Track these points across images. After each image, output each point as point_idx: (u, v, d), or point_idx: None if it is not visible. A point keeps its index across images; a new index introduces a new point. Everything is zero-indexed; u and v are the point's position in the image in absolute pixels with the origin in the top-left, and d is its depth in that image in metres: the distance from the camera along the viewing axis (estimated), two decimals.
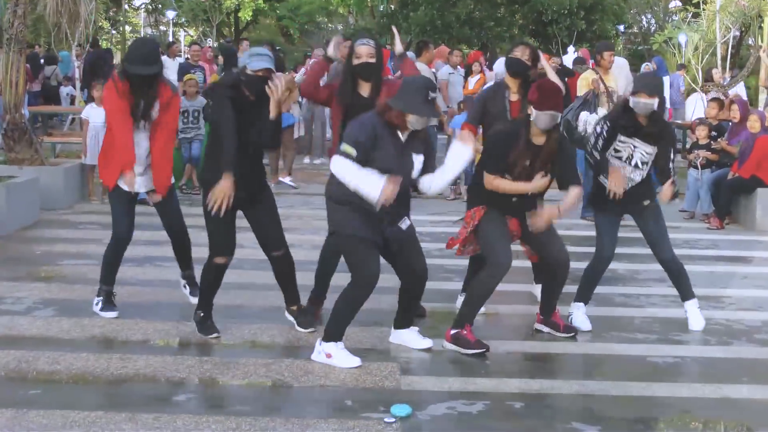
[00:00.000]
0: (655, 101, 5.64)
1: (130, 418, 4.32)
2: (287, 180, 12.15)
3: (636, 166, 5.83)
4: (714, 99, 12.17)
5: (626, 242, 7.41)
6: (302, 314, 5.80)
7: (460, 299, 6.10)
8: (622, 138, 5.78)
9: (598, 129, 5.85)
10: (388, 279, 5.47)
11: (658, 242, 5.95)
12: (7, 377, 4.88)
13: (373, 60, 5.60)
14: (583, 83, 9.61)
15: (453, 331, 5.47)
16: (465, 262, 6.31)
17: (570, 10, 25.35)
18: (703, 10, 20.30)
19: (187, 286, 6.25)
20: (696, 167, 10.56)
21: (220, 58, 12.02)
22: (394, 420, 4.38)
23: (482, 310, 5.79)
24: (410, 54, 15.92)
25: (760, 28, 18.64)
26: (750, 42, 24.64)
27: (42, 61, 19.82)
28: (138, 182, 5.78)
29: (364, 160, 4.88)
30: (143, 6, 41.83)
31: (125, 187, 5.77)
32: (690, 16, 24.03)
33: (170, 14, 35.84)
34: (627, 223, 6.16)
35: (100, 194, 10.74)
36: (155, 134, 5.77)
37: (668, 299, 6.65)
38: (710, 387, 5.02)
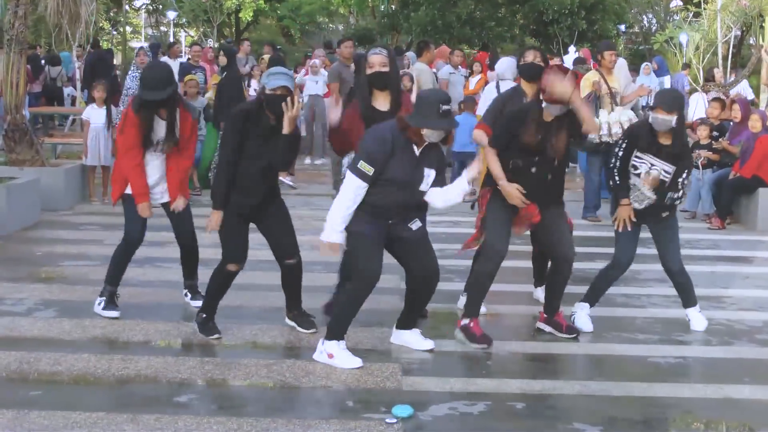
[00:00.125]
0: (674, 117, 5.54)
1: (132, 419, 4.32)
2: (287, 180, 12.14)
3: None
4: (715, 99, 12.15)
5: None
6: (303, 315, 5.80)
7: (462, 300, 6.11)
8: (638, 154, 5.74)
9: (619, 153, 5.80)
10: (389, 279, 5.47)
11: (668, 253, 5.95)
12: (9, 378, 4.89)
13: (386, 69, 5.57)
14: (586, 84, 9.60)
15: (463, 322, 5.57)
16: (465, 262, 6.30)
17: (571, 9, 25.29)
18: (704, 9, 20.25)
19: (189, 294, 6.28)
20: (697, 167, 10.53)
21: (222, 59, 11.96)
22: (395, 421, 4.38)
23: (483, 310, 5.80)
24: (411, 54, 15.99)
25: (762, 27, 18.59)
26: (751, 41, 24.60)
27: (43, 62, 19.79)
28: (154, 193, 5.91)
29: (378, 172, 4.96)
30: (144, 7, 41.77)
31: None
32: (691, 15, 23.99)
33: (171, 15, 35.78)
34: None
35: (100, 195, 10.76)
36: (178, 158, 5.90)
37: (670, 299, 6.64)
38: (712, 387, 5.02)
